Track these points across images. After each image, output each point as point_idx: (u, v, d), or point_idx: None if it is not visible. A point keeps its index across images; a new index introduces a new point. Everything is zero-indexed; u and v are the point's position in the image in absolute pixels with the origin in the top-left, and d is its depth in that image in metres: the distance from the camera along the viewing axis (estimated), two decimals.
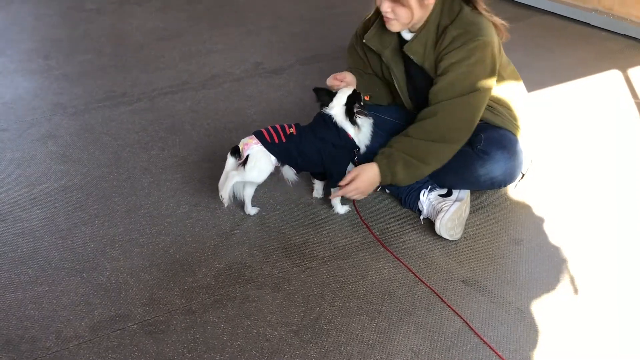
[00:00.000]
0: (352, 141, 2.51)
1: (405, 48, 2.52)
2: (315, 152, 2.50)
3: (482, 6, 2.47)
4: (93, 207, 2.72)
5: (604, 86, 3.85)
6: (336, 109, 2.50)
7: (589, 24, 4.78)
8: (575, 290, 2.26)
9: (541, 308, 2.17)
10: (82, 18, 5.05)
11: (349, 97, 2.50)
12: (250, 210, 2.63)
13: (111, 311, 2.17)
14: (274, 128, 2.49)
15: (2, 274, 2.34)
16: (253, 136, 2.48)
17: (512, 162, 2.55)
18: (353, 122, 2.49)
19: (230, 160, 2.50)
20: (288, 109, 3.56)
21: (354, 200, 2.69)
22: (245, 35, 4.66)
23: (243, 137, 2.51)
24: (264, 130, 2.48)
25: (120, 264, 2.38)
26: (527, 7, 5.07)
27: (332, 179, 2.56)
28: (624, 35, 4.54)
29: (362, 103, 2.52)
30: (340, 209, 2.65)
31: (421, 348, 2.02)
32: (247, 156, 2.44)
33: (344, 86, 2.59)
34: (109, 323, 2.12)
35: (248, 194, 2.59)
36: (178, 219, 2.64)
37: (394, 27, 2.49)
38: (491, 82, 2.48)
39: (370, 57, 2.74)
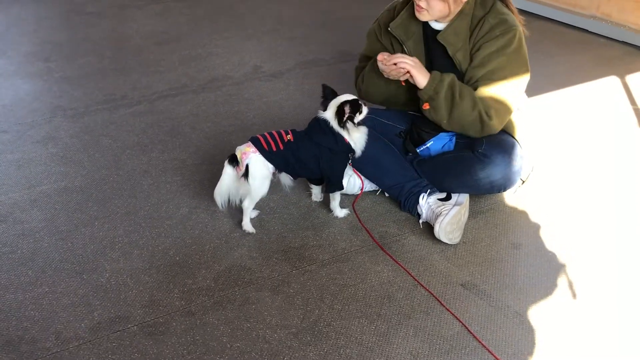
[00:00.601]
0: (348, 145, 2.50)
1: (440, 37, 2.53)
2: (312, 157, 2.50)
3: (510, 1, 2.57)
4: (93, 209, 2.72)
5: (602, 92, 3.87)
6: (329, 112, 2.48)
7: (587, 30, 4.82)
8: (574, 295, 2.27)
9: (540, 312, 2.18)
10: (83, 21, 5.06)
11: (343, 103, 2.44)
12: (247, 226, 2.61)
13: (111, 312, 2.17)
14: (271, 135, 2.47)
15: (2, 274, 2.34)
16: (250, 144, 2.46)
17: (512, 166, 2.57)
18: (341, 126, 2.46)
19: (228, 169, 2.47)
20: (287, 113, 3.58)
21: (353, 204, 2.70)
22: (245, 39, 4.67)
23: (242, 140, 2.51)
24: (260, 137, 2.46)
25: (120, 266, 2.39)
26: (525, 12, 5.08)
27: (330, 183, 2.57)
28: (622, 41, 4.58)
29: (359, 112, 2.47)
30: (340, 212, 2.66)
31: (420, 351, 2.03)
32: (247, 166, 2.42)
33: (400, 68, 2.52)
34: (108, 324, 2.12)
35: (246, 205, 2.56)
36: (178, 221, 2.64)
37: (424, 17, 2.52)
38: (527, 72, 2.56)
39: (393, 45, 2.73)
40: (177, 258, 2.43)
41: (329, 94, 2.51)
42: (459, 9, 2.49)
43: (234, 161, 2.46)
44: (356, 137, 2.51)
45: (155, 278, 2.33)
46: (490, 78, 2.50)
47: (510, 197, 2.79)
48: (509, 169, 2.56)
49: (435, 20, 2.56)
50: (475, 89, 2.51)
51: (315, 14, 5.24)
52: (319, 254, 2.46)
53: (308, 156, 2.49)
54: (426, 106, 2.52)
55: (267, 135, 2.47)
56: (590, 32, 4.78)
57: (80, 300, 2.22)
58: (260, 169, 2.44)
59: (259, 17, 5.17)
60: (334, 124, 2.47)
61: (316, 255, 2.45)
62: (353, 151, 2.52)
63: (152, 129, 3.40)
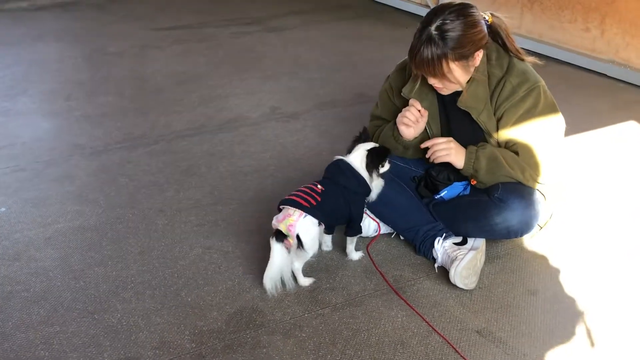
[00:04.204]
0: (368, 186, 2.49)
1: (461, 105, 2.52)
2: (342, 201, 2.45)
3: (519, 50, 2.56)
4: (107, 248, 2.72)
5: (621, 137, 3.84)
6: (355, 155, 2.50)
7: (605, 74, 4.80)
8: (592, 343, 2.22)
9: None
10: (105, 61, 5.15)
11: (373, 152, 2.48)
12: (304, 281, 2.49)
13: (121, 354, 2.15)
14: (303, 192, 2.40)
15: (14, 313, 2.33)
16: (289, 213, 2.34)
17: (529, 211, 2.54)
18: (369, 171, 2.48)
19: (277, 246, 2.32)
20: (304, 154, 3.58)
21: (367, 247, 2.68)
22: (263, 81, 4.72)
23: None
24: (295, 198, 2.37)
25: (132, 306, 2.37)
26: (543, 56, 5.09)
27: (353, 226, 2.53)
28: None
29: (385, 162, 2.51)
30: (355, 255, 2.63)
31: None
32: (298, 235, 2.33)
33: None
34: None
35: (297, 267, 2.47)
36: (191, 261, 2.63)
37: (444, 92, 2.55)
38: (562, 119, 2.57)
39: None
40: (189, 299, 2.41)
41: (365, 137, 2.56)
42: (470, 75, 2.48)
43: (282, 236, 2.34)
44: (375, 184, 2.52)
45: (166, 319, 2.31)
46: (530, 140, 2.52)
47: (527, 242, 2.75)
48: (526, 214, 2.53)
49: None
50: (517, 152, 2.53)
51: (333, 57, 5.28)
52: (332, 297, 2.43)
53: (339, 201, 2.45)
54: (474, 182, 2.58)
55: (300, 193, 2.40)
56: (609, 77, 4.77)
57: (91, 341, 2.21)
58: (311, 230, 2.37)
59: (278, 59, 5.23)
60: (355, 164, 2.47)
61: (329, 299, 2.42)
62: (369, 194, 2.52)
63: (169, 168, 3.42)
